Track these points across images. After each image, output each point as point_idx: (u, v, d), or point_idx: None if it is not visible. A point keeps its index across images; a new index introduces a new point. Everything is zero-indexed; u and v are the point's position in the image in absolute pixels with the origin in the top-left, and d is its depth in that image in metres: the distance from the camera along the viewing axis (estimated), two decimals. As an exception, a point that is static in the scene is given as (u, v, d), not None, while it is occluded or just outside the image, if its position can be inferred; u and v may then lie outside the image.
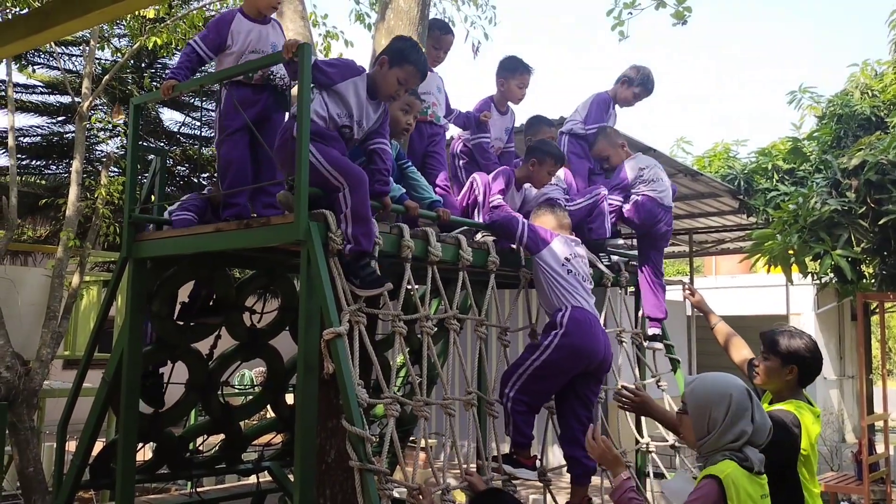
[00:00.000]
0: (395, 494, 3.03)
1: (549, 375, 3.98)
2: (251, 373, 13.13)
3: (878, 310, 9.08)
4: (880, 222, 7.80)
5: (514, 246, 4.28)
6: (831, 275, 8.68)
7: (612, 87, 5.37)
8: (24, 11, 6.33)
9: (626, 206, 4.99)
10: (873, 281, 9.21)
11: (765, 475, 2.70)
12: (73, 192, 7.01)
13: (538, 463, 4.16)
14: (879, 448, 8.88)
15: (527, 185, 4.72)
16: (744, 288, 16.86)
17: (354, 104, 3.56)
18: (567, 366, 3.98)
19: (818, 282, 9.68)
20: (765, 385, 3.34)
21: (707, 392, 2.74)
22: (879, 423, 9.21)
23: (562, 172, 4.96)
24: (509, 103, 5.24)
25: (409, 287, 3.61)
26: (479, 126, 4.97)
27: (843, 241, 7.93)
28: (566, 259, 4.08)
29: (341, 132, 3.54)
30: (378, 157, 3.69)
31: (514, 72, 5.09)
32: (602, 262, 4.82)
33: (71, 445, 5.00)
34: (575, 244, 4.23)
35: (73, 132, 7.96)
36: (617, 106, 5.35)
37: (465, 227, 4.26)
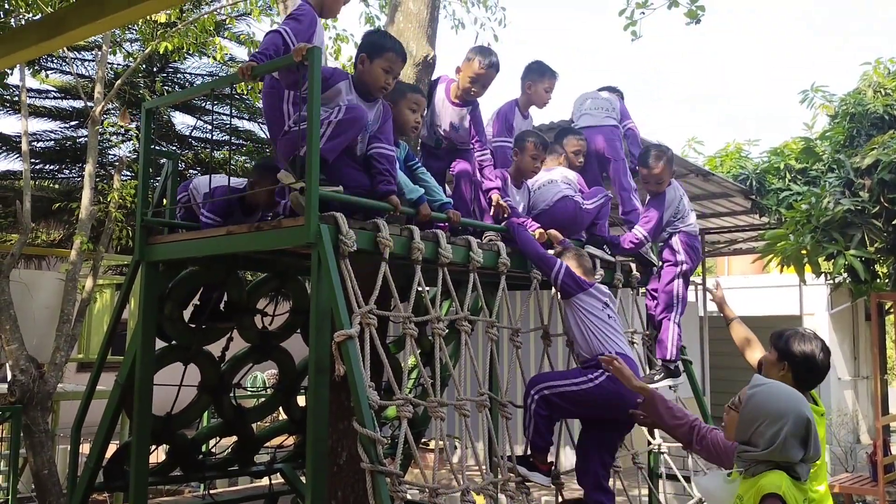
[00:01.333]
0: (408, 496, 3.02)
1: (583, 405, 3.98)
2: (263, 375, 13.17)
3: (892, 310, 9.01)
4: (894, 222, 7.75)
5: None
6: (845, 275, 8.63)
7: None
8: (38, 17, 6.38)
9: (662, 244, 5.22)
10: (887, 281, 9.15)
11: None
12: (86, 196, 7.06)
13: (552, 468, 4.15)
14: (894, 449, 8.81)
15: (530, 182, 4.78)
16: (757, 288, 16.77)
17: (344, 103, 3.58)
18: (603, 406, 3.96)
19: (831, 282, 9.64)
20: (766, 377, 3.32)
21: (765, 405, 2.61)
22: (894, 424, 9.14)
23: (574, 176, 5.00)
24: (532, 107, 5.27)
25: (420, 289, 3.61)
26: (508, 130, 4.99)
27: (856, 240, 7.88)
28: (605, 304, 4.11)
29: None
30: (375, 160, 3.70)
31: (542, 76, 5.13)
32: (607, 255, 4.91)
33: (85, 448, 5.03)
34: (606, 288, 4.30)
35: (86, 136, 8.00)
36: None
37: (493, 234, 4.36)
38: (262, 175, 4.29)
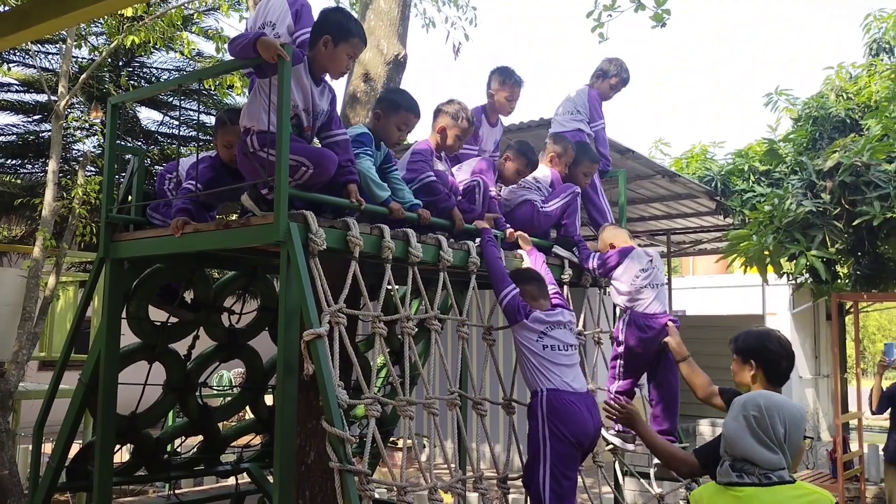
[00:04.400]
0: (376, 495, 3.02)
1: (564, 459, 3.79)
2: (230, 374, 13.07)
3: (852, 310, 9.20)
4: (854, 223, 7.92)
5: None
6: (806, 275, 8.80)
7: (591, 82, 5.43)
8: (2, 10, 6.26)
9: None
10: (848, 281, 9.35)
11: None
12: (50, 191, 6.94)
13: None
14: (854, 446, 9.00)
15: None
16: (720, 288, 17.03)
17: (299, 92, 3.50)
18: (571, 451, 3.80)
19: (793, 282, 9.81)
20: (737, 386, 3.37)
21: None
22: (854, 422, 9.33)
23: (547, 173, 4.99)
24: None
25: (390, 287, 3.61)
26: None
27: (817, 241, 8.03)
28: (542, 333, 3.90)
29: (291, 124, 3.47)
30: (339, 147, 3.63)
31: (503, 84, 5.05)
32: (575, 257, 4.90)
33: (47, 447, 4.95)
34: (559, 314, 4.04)
35: (50, 131, 7.87)
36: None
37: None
38: (223, 127, 4.09)
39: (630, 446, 4.74)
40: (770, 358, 3.19)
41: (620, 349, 4.72)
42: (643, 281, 4.67)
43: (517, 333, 3.97)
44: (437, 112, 4.41)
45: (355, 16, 4.09)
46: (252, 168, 3.44)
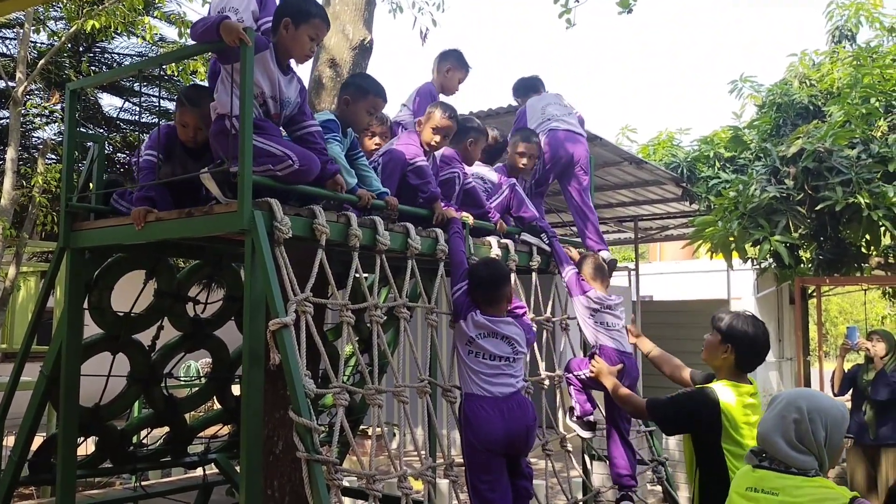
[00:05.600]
0: (346, 484, 3.00)
1: (478, 465, 3.71)
2: (197, 364, 12.93)
3: (815, 294, 9.35)
4: (817, 208, 8.04)
5: None
6: (770, 260, 8.92)
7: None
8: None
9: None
10: (810, 266, 9.50)
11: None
12: (9, 180, 6.79)
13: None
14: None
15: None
16: (687, 273, 17.23)
17: (265, 79, 3.44)
18: (483, 457, 3.70)
19: (758, 267, 9.95)
20: (706, 360, 3.43)
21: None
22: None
23: (492, 174, 5.01)
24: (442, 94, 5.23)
25: (357, 276, 3.58)
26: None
27: (781, 227, 8.15)
28: (471, 339, 3.80)
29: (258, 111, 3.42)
30: (312, 137, 3.60)
31: (460, 66, 5.20)
32: (543, 243, 4.90)
33: (9, 440, 4.87)
34: (500, 322, 3.85)
35: (7, 118, 7.69)
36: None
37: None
38: (181, 106, 3.96)
39: (587, 433, 4.77)
40: (748, 350, 3.30)
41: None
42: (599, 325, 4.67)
43: (455, 333, 3.89)
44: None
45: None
46: (227, 150, 3.34)
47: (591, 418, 4.75)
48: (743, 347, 3.28)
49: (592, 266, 4.77)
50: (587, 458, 5.46)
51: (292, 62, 3.65)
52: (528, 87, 5.79)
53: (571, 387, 4.70)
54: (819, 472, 2.46)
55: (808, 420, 2.45)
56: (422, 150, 4.29)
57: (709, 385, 3.33)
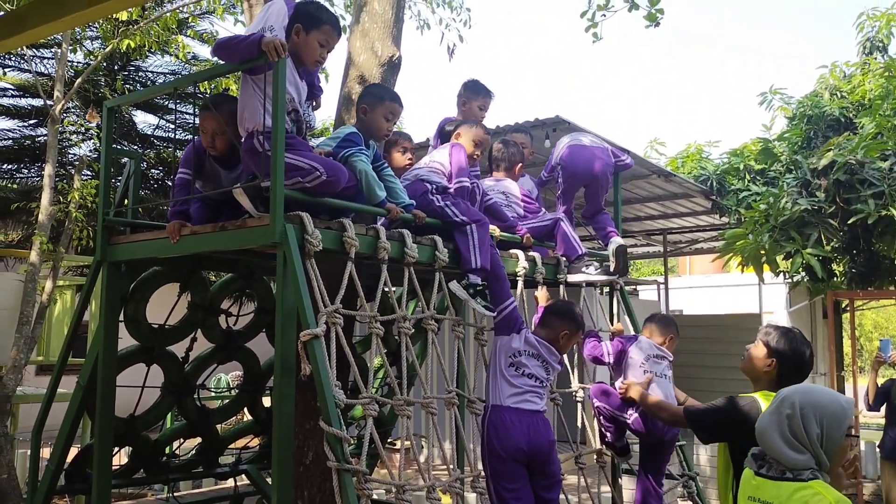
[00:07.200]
0: (375, 495, 3.03)
1: (501, 473, 3.79)
2: (227, 376, 13.07)
3: (848, 307, 9.23)
4: (849, 221, 7.94)
5: None
6: (802, 273, 8.83)
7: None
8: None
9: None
10: (843, 279, 9.38)
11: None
12: (46, 195, 6.94)
13: None
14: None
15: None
16: (717, 287, 17.07)
17: (292, 86, 3.54)
18: (506, 466, 3.79)
19: (790, 280, 9.84)
20: (745, 370, 3.43)
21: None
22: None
23: (514, 188, 5.04)
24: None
25: (386, 288, 3.62)
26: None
27: (813, 240, 8.06)
28: (517, 352, 3.92)
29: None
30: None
31: (476, 94, 5.23)
32: (591, 274, 4.91)
33: (45, 451, 4.96)
34: (545, 347, 3.99)
35: (45, 136, 7.88)
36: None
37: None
38: (203, 111, 4.01)
39: (624, 458, 4.86)
40: (792, 368, 3.29)
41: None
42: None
43: (498, 344, 3.99)
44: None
45: (348, 17, 4.11)
46: (260, 168, 3.43)
47: (621, 443, 4.78)
48: (788, 365, 3.28)
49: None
50: (619, 473, 5.43)
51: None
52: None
53: (601, 416, 4.71)
54: (817, 472, 2.39)
55: (801, 416, 2.38)
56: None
57: (749, 394, 3.31)
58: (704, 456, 7.69)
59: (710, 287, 17.38)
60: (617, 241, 5.14)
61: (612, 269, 5.01)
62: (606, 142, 5.56)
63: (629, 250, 5.35)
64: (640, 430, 4.51)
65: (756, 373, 3.36)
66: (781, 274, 9.58)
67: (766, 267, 8.70)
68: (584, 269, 4.87)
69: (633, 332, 5.09)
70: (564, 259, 4.90)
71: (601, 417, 4.72)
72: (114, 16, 7.33)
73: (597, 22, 7.00)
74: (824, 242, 8.19)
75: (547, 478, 3.90)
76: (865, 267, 8.96)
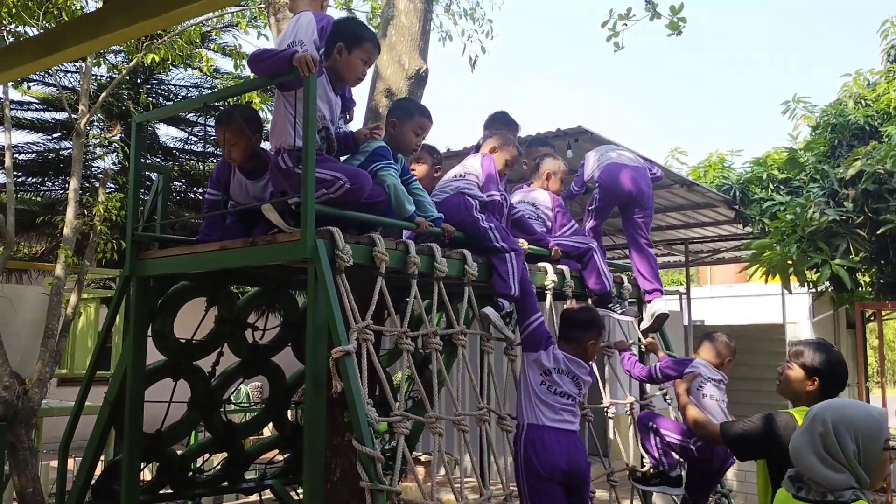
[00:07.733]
0: (407, 513, 3.00)
1: (538, 493, 3.77)
2: (247, 388, 13.08)
3: (873, 318, 9.10)
4: (878, 231, 7.84)
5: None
6: (827, 284, 8.72)
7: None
8: (36, 34, 6.31)
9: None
10: (870, 290, 9.25)
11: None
12: (71, 209, 6.98)
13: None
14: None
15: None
16: (739, 297, 16.88)
17: (324, 104, 3.55)
18: (544, 485, 3.77)
19: (814, 291, 9.72)
20: (783, 393, 3.36)
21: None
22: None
23: (546, 198, 4.97)
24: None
25: (416, 306, 3.59)
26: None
27: (841, 250, 7.96)
28: (547, 370, 3.90)
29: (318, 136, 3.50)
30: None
31: (507, 127, 4.96)
32: (616, 312, 4.83)
33: (71, 465, 4.96)
34: (574, 363, 3.97)
35: (70, 149, 7.93)
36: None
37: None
38: (219, 124, 4.03)
39: (677, 490, 4.64)
40: (833, 381, 3.24)
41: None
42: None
43: (526, 360, 3.97)
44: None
45: (374, 29, 4.11)
46: (287, 185, 3.45)
47: (676, 473, 4.59)
48: (829, 379, 3.22)
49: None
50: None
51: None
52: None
53: (665, 445, 4.52)
54: (860, 491, 2.29)
55: (834, 432, 2.28)
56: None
57: (788, 410, 3.25)
58: (731, 470, 7.58)
59: (731, 297, 17.19)
60: (659, 306, 5.02)
61: (643, 325, 5.03)
62: (636, 154, 5.49)
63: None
64: (703, 459, 4.35)
65: (796, 394, 3.29)
66: (806, 284, 9.46)
67: (792, 277, 8.60)
68: (609, 305, 4.80)
69: (661, 346, 5.01)
70: (591, 292, 4.79)
71: (660, 445, 4.54)
72: (138, 30, 7.37)
73: (618, 31, 6.96)
74: (853, 253, 8.08)
75: (581, 501, 3.87)
76: (893, 277, 8.83)
